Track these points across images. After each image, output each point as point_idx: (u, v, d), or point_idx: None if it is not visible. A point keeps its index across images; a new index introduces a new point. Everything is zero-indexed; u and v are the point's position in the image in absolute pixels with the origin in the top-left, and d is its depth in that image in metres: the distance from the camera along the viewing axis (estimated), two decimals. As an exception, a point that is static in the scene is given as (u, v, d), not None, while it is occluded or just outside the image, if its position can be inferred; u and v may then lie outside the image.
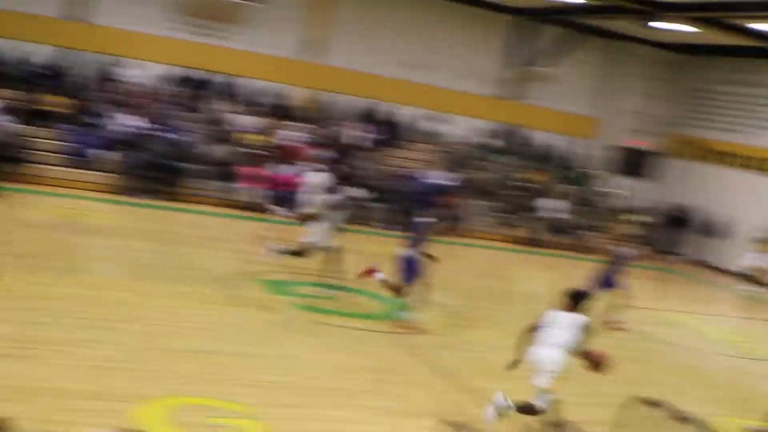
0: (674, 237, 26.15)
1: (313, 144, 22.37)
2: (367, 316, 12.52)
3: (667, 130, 27.74)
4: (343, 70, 24.31)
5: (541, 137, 26.97)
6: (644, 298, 18.82)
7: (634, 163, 27.49)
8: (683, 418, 2.98)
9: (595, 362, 8.62)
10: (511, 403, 8.22)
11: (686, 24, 22.02)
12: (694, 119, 27.36)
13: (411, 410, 8.73)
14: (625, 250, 15.22)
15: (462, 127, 25.79)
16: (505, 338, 12.88)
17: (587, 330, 8.45)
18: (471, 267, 19.93)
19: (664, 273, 23.71)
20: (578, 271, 19.16)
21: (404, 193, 21.81)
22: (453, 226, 21.71)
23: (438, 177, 23.15)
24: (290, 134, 22.40)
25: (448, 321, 13.15)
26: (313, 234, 13.32)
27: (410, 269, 12.11)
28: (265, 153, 21.33)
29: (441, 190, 22.58)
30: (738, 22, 21.03)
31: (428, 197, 21.72)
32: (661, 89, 27.69)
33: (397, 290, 12.21)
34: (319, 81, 24.03)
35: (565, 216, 24.15)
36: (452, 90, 25.72)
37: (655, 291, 21.29)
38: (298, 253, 13.51)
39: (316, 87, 24.08)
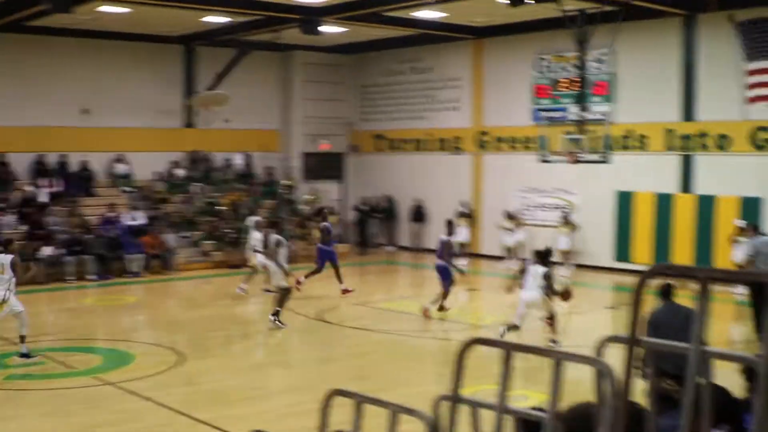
0: (381, 228, 26.92)
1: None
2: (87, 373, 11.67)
3: (351, 129, 28.49)
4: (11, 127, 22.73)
5: (230, 158, 26.59)
6: (366, 291, 19.11)
7: (324, 166, 27.97)
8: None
9: (566, 295, 12.94)
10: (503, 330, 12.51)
11: (346, 25, 22.69)
12: (374, 114, 28.24)
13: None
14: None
15: (149, 163, 24.84)
16: (232, 362, 12.56)
17: (548, 277, 12.54)
18: (184, 300, 19.41)
19: (379, 265, 24.30)
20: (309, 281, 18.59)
21: (105, 240, 21.03)
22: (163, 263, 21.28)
23: (132, 217, 22.38)
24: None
25: (170, 358, 12.52)
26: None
27: None
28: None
29: (139, 230, 21.85)
30: (397, 14, 21.67)
31: (130, 239, 21.25)
32: (337, 91, 28.38)
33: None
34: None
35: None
36: (131, 128, 24.70)
37: (374, 284, 21.70)
38: None
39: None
